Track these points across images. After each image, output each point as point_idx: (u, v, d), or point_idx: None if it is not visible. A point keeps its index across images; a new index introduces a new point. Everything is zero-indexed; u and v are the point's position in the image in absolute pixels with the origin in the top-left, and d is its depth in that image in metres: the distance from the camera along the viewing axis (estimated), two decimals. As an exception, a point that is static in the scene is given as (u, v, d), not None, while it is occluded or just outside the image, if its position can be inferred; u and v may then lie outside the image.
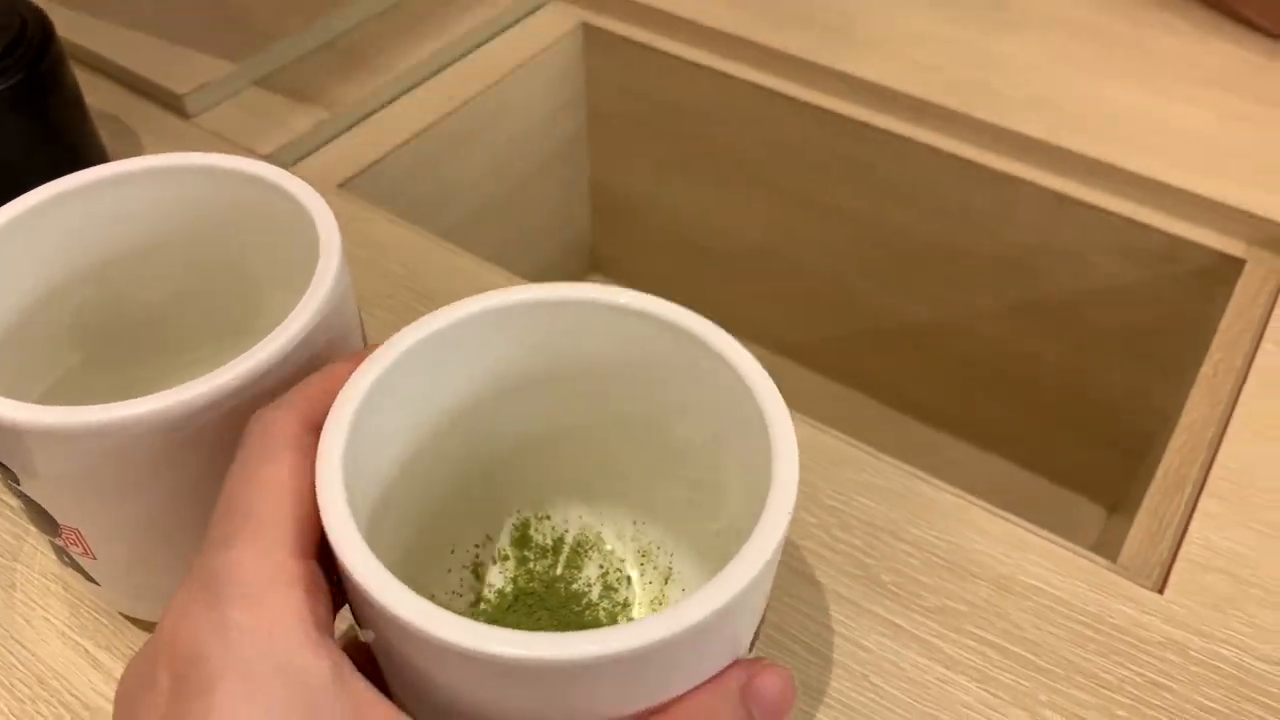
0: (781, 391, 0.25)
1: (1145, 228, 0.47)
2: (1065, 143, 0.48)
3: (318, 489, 0.22)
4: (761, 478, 0.23)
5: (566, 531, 0.31)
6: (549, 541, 0.31)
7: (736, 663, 0.23)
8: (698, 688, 0.22)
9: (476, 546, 0.31)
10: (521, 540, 0.31)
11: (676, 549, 0.31)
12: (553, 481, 0.31)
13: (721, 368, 0.25)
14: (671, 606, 0.20)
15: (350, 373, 0.24)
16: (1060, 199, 0.48)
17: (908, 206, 0.54)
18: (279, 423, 0.23)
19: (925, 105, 0.51)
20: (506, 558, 0.31)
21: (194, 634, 0.20)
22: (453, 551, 0.31)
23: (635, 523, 0.31)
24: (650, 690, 0.22)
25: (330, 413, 0.23)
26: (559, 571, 0.31)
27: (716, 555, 0.27)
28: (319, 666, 0.20)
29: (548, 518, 0.32)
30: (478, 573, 0.31)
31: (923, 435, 0.62)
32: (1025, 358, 0.55)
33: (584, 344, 0.27)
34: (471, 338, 0.26)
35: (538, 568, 0.31)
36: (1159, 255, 0.47)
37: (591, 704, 0.21)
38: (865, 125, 0.53)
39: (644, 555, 0.31)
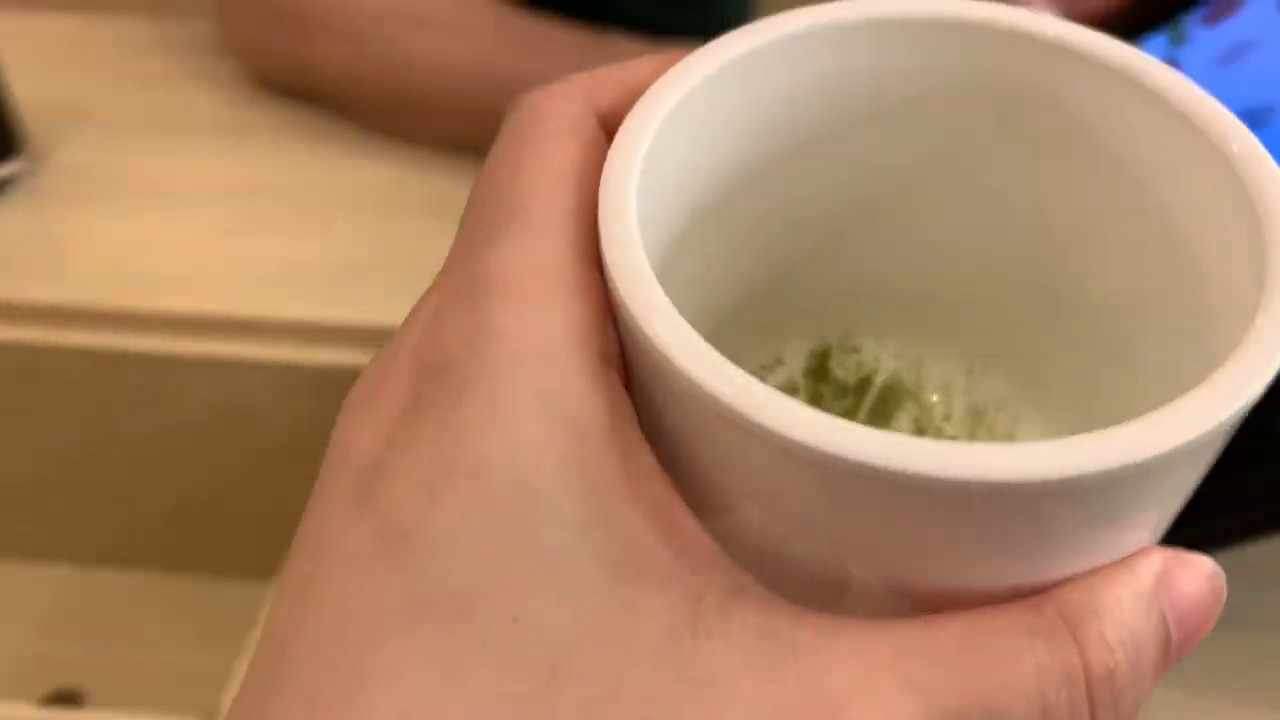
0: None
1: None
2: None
3: (603, 194, 0.16)
4: (1235, 299, 0.16)
5: (876, 371, 0.24)
6: (853, 379, 0.24)
7: (1151, 548, 0.16)
8: (1101, 570, 0.15)
9: (763, 368, 0.24)
10: (818, 371, 0.24)
11: (1023, 412, 0.23)
12: (869, 295, 0.24)
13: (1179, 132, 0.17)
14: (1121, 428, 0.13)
15: (656, 71, 0.18)
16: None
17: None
18: (562, 101, 0.17)
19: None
20: (797, 390, 0.24)
21: (445, 337, 0.15)
22: None
23: (970, 371, 0.24)
24: (1056, 548, 0.15)
25: (634, 108, 0.17)
26: (859, 419, 0.24)
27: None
28: (594, 404, 0.15)
29: (855, 350, 0.24)
30: None
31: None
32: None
33: (956, 86, 0.19)
34: (811, 56, 0.19)
35: (834, 410, 0.24)
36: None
37: (940, 567, 0.15)
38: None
39: (977, 416, 0.24)
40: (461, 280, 0.16)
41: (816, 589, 0.15)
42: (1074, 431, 0.14)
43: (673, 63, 0.18)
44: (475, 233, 0.16)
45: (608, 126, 0.17)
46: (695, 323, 0.15)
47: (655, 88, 0.17)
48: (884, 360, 0.24)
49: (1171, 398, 0.14)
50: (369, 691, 0.13)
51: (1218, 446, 0.15)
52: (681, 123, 0.18)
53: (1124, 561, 0.15)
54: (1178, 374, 0.16)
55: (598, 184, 0.16)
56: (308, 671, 0.14)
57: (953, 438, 0.23)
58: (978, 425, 0.23)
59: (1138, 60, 0.18)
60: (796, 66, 0.19)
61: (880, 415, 0.24)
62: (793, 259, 0.23)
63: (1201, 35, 0.33)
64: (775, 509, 0.15)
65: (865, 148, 0.21)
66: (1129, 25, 0.37)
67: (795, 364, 0.24)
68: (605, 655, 0.13)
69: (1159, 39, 0.35)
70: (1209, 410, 0.14)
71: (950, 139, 0.20)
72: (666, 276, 0.19)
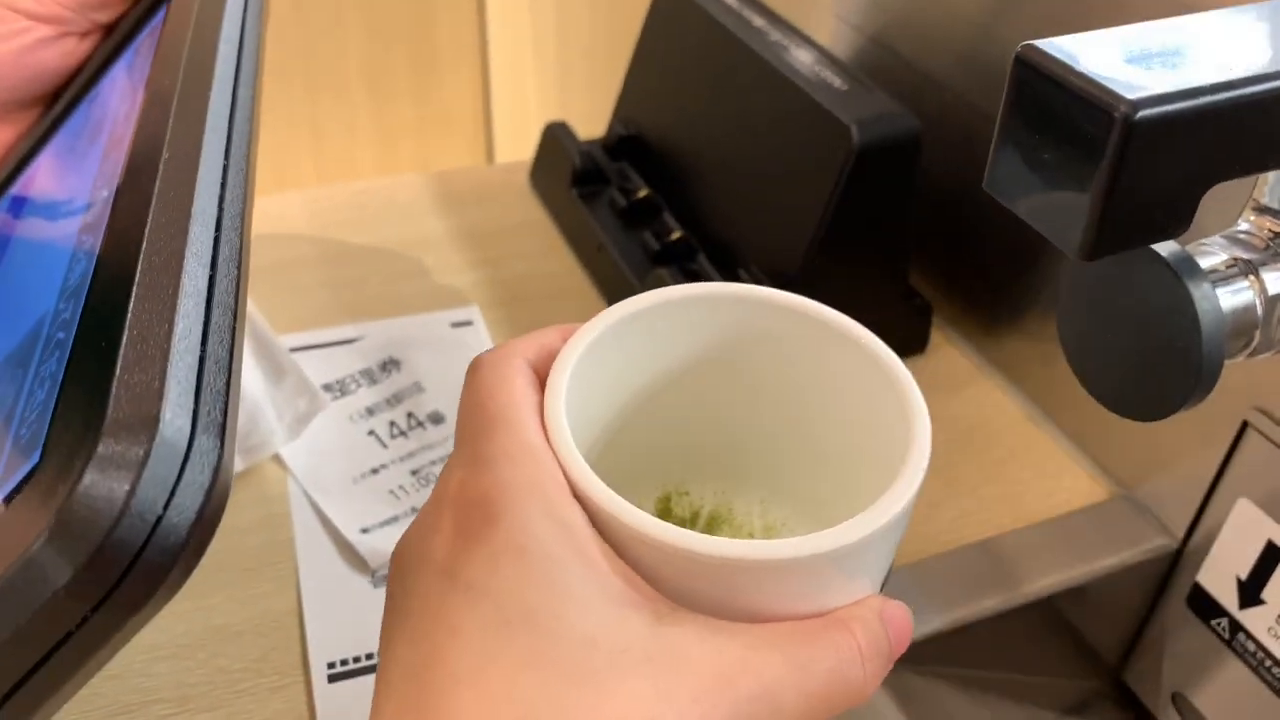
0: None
1: None
2: None
3: (546, 408, 0.27)
4: (897, 447, 0.28)
5: (702, 506, 0.36)
6: (687, 514, 0.36)
7: (875, 595, 0.28)
8: (852, 604, 0.27)
9: None
10: (664, 513, 0.36)
11: (797, 525, 0.35)
12: (695, 458, 0.36)
13: (852, 351, 0.30)
14: (841, 525, 0.26)
15: (562, 336, 0.30)
16: None
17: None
18: (510, 356, 0.28)
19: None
20: None
21: (475, 487, 0.26)
22: None
23: (762, 501, 0.36)
24: (814, 594, 0.27)
25: (557, 359, 0.29)
26: None
27: None
28: (578, 518, 0.25)
29: (687, 493, 0.36)
30: None
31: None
32: None
33: (744, 337, 0.32)
34: (663, 322, 0.31)
35: (677, 534, 0.36)
36: None
37: (764, 602, 0.26)
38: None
39: (769, 530, 0.36)
40: (479, 457, 0.26)
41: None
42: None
43: (572, 331, 0.30)
44: (475, 433, 0.27)
45: (536, 370, 0.29)
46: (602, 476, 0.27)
47: (567, 346, 0.29)
48: (706, 499, 0.36)
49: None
50: (495, 671, 0.23)
51: (896, 532, 0.28)
52: (584, 366, 0.29)
53: (862, 600, 0.28)
54: (873, 497, 0.28)
55: (541, 404, 0.28)
56: (449, 674, 0.23)
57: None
58: (771, 535, 0.36)
59: (822, 310, 0.31)
60: (652, 328, 0.32)
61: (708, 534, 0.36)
62: (650, 440, 0.35)
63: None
64: (665, 581, 0.26)
65: (695, 374, 0.33)
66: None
67: (649, 506, 0.36)
68: (617, 634, 0.24)
69: None
70: (880, 515, 0.26)
71: (741, 362, 0.33)
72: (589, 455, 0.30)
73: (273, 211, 0.69)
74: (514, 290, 0.63)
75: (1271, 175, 0.32)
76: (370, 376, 0.54)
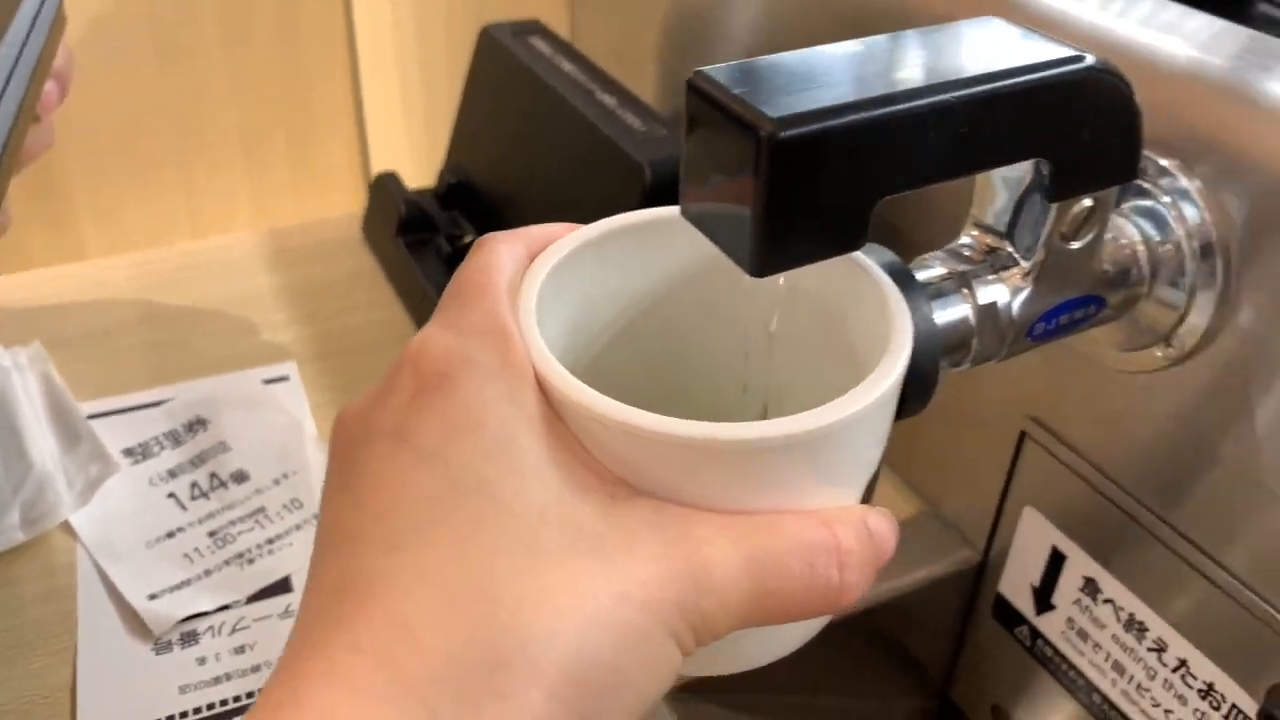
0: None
1: None
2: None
3: (521, 294, 0.27)
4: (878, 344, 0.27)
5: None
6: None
7: (858, 505, 0.27)
8: (837, 507, 0.26)
9: None
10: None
11: None
12: (704, 368, 0.34)
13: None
14: (800, 414, 0.24)
15: (565, 232, 0.30)
16: None
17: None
18: (514, 240, 0.28)
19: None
20: None
21: (442, 355, 0.25)
22: None
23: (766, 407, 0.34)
24: (784, 489, 0.25)
25: (542, 253, 0.28)
26: None
27: None
28: (538, 401, 0.25)
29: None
30: None
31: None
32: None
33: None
34: (658, 232, 0.31)
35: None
36: None
37: (731, 492, 0.25)
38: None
39: None
40: (452, 324, 0.25)
41: None
42: None
43: (569, 231, 0.29)
44: (457, 301, 0.26)
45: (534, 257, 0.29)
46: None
47: (554, 244, 0.29)
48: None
49: None
50: (441, 534, 0.22)
51: (871, 423, 0.26)
52: (573, 263, 0.29)
53: (847, 507, 0.27)
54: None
55: None
56: (390, 536, 0.22)
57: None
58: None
59: None
60: (646, 240, 0.31)
61: None
62: (651, 352, 0.33)
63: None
64: (628, 465, 0.25)
65: (694, 286, 0.32)
66: None
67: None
68: (569, 511, 0.23)
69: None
70: (861, 398, 0.25)
71: (710, 290, 0.32)
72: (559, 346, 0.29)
73: (96, 277, 0.68)
74: (338, 342, 0.62)
75: (987, 192, 0.32)
76: (175, 438, 0.53)
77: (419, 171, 0.75)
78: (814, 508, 0.26)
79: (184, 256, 0.70)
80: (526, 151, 0.62)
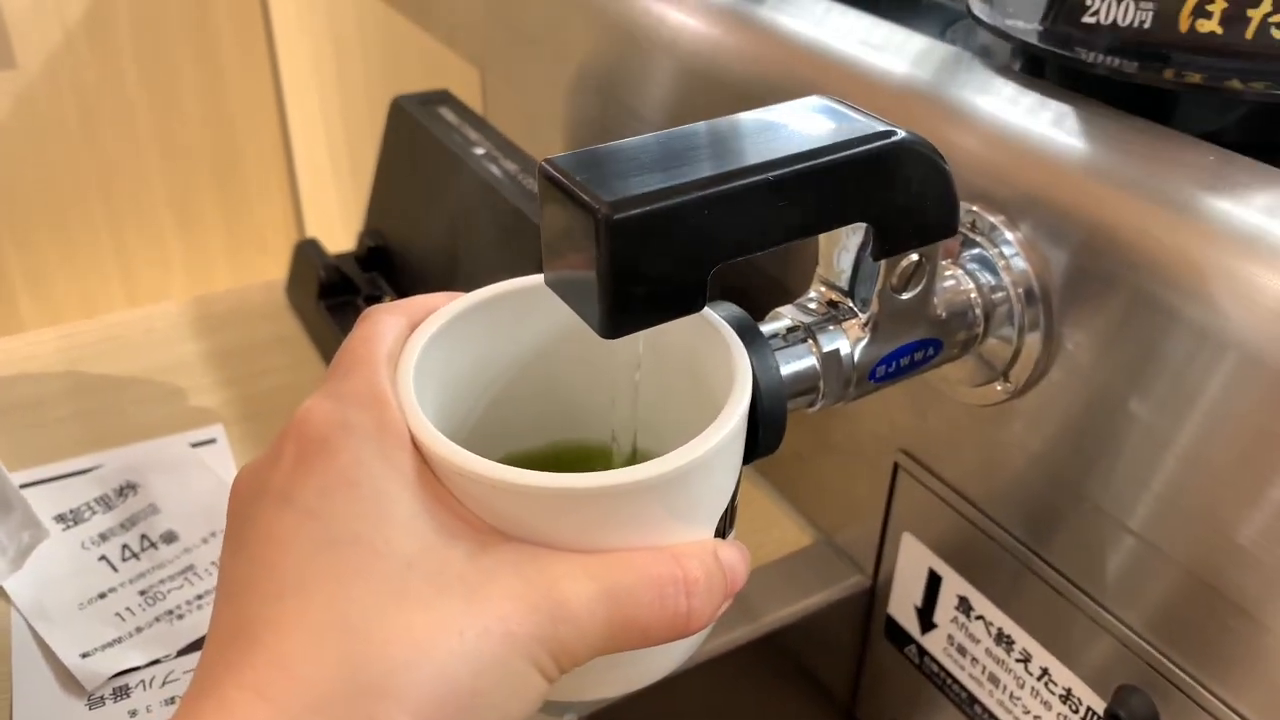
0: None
1: None
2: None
3: (400, 363, 0.30)
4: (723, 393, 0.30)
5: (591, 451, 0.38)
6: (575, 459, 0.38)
7: (710, 539, 0.30)
8: (689, 541, 0.29)
9: None
10: (552, 458, 0.37)
11: None
12: (581, 417, 0.37)
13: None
14: (648, 463, 0.27)
15: (444, 302, 0.32)
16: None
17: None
18: (394, 312, 0.31)
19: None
20: None
21: (322, 423, 0.28)
22: None
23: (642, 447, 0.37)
24: (641, 529, 0.28)
25: (421, 325, 0.31)
26: None
27: None
28: (410, 460, 0.28)
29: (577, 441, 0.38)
30: None
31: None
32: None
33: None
34: (527, 301, 0.34)
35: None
36: None
37: (592, 535, 0.28)
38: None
39: None
40: (333, 394, 0.28)
41: None
42: None
43: (449, 300, 0.32)
44: (339, 372, 0.29)
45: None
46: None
47: (435, 314, 0.32)
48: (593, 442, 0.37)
49: None
50: (320, 582, 0.25)
51: (714, 465, 0.29)
52: (452, 331, 0.32)
53: (699, 541, 0.29)
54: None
55: None
56: (275, 586, 0.25)
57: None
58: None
59: None
60: (517, 306, 0.34)
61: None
62: (534, 401, 0.36)
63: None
64: (496, 514, 0.28)
65: (566, 342, 0.35)
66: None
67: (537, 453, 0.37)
68: (438, 557, 0.26)
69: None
70: (703, 444, 0.28)
71: (580, 347, 0.35)
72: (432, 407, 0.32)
73: (23, 350, 0.70)
74: (263, 404, 0.65)
75: (829, 250, 0.36)
76: (106, 503, 0.55)
77: (350, 233, 0.78)
78: (668, 543, 0.29)
79: (112, 327, 0.72)
80: (436, 216, 0.66)
